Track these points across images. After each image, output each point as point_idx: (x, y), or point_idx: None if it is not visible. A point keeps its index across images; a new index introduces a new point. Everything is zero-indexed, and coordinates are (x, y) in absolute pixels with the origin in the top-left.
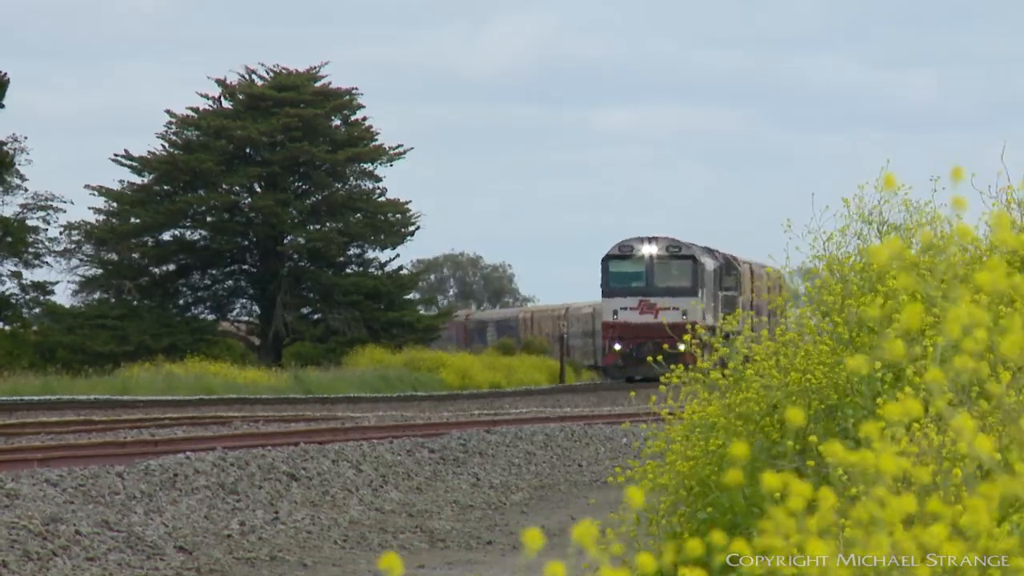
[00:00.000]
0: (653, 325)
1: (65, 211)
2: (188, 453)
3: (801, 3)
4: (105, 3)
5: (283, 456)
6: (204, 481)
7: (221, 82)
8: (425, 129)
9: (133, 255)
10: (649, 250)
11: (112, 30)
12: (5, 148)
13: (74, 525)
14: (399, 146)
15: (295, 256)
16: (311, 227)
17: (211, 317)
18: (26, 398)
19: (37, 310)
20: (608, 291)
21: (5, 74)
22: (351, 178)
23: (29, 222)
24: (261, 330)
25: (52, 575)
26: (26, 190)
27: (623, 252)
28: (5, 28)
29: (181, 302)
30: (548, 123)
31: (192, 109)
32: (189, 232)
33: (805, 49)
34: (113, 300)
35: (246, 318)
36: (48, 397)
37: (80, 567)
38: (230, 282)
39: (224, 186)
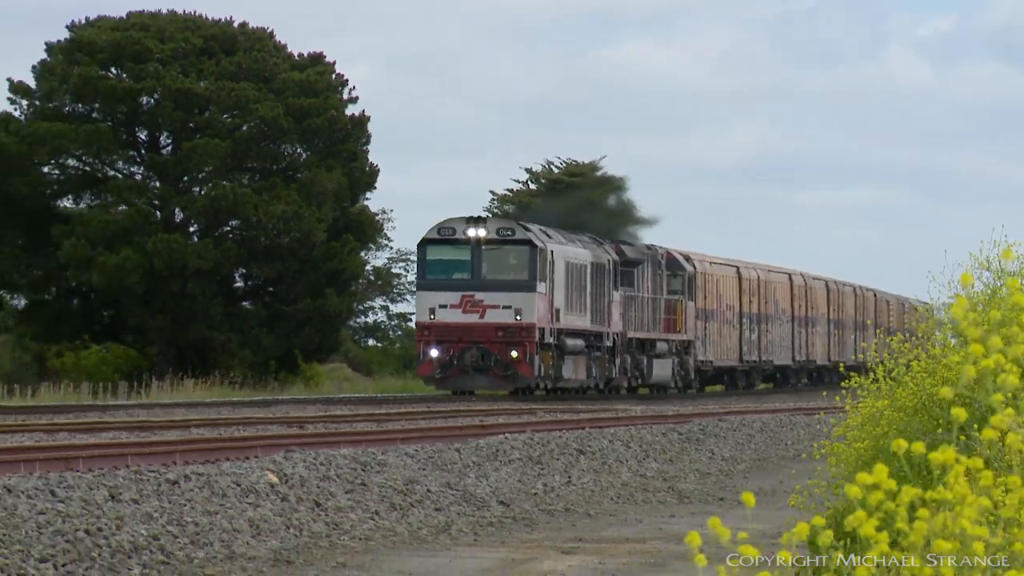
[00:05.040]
0: (478, 326)
1: None
2: (506, 434)
3: (950, 110)
4: (439, 112)
5: (574, 437)
6: (518, 455)
7: (529, 170)
8: (675, 204)
9: None
10: (475, 233)
11: (446, 134)
12: (377, 218)
13: (426, 485)
14: (654, 215)
15: None
16: None
17: None
18: (390, 395)
19: (399, 332)
20: (424, 283)
21: (376, 165)
22: (618, 234)
23: (394, 270)
24: None
25: (410, 519)
26: (391, 247)
27: (443, 235)
28: (375, 132)
29: None
30: (763, 199)
31: (508, 190)
32: None
33: (954, 145)
34: None
35: None
36: (406, 394)
37: (431, 515)
38: None
39: None
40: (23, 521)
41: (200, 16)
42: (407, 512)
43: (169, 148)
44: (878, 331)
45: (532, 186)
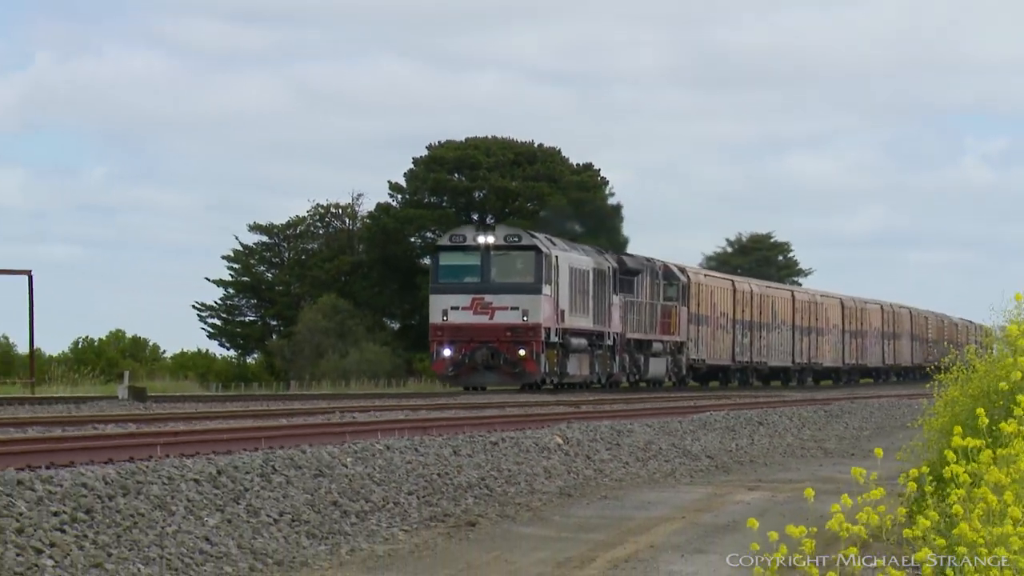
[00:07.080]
0: (488, 327)
1: None
2: (711, 412)
3: (1008, 200)
4: (669, 200)
5: (754, 414)
6: (719, 425)
7: (727, 239)
8: (825, 261)
9: None
10: (484, 239)
11: (673, 215)
12: None
13: (658, 446)
14: (809, 268)
15: None
16: None
17: None
18: (638, 384)
19: None
20: (437, 287)
21: (627, 237)
22: (785, 281)
23: None
24: None
25: (649, 467)
26: None
27: (455, 242)
28: (627, 215)
29: None
30: (885, 257)
31: (713, 253)
32: None
33: (1012, 222)
34: None
35: None
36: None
37: (661, 464)
38: None
39: None
40: (396, 468)
41: (512, 139)
42: (646, 463)
43: None
44: (929, 338)
45: (728, 249)
